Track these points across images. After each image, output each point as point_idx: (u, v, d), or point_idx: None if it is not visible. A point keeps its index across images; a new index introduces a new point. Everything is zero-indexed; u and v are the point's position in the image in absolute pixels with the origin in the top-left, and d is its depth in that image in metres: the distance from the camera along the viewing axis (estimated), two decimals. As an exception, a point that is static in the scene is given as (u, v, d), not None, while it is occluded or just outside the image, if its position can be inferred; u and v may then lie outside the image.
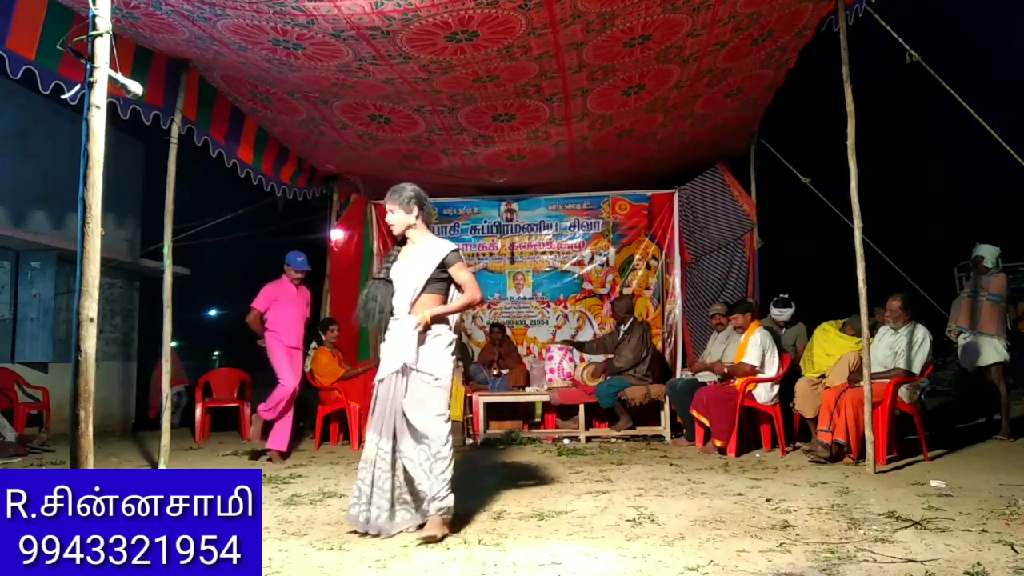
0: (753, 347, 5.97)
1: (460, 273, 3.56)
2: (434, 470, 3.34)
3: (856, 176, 4.82)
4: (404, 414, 3.41)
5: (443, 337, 3.53)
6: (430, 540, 3.20)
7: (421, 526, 3.37)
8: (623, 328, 7.24)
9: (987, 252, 6.42)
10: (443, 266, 3.54)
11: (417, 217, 3.65)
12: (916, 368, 5.35)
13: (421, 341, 3.47)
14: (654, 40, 4.99)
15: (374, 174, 8.15)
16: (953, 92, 5.14)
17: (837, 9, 4.90)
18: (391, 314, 3.53)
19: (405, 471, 3.43)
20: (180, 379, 8.95)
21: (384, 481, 3.41)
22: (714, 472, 5.01)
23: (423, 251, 3.59)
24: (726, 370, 6.12)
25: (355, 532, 3.39)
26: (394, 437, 3.44)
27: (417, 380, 3.43)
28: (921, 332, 5.41)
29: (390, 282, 3.57)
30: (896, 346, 5.42)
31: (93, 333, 2.35)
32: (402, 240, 3.71)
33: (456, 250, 3.61)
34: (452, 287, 3.61)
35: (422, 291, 3.52)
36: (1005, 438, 6.08)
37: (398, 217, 3.67)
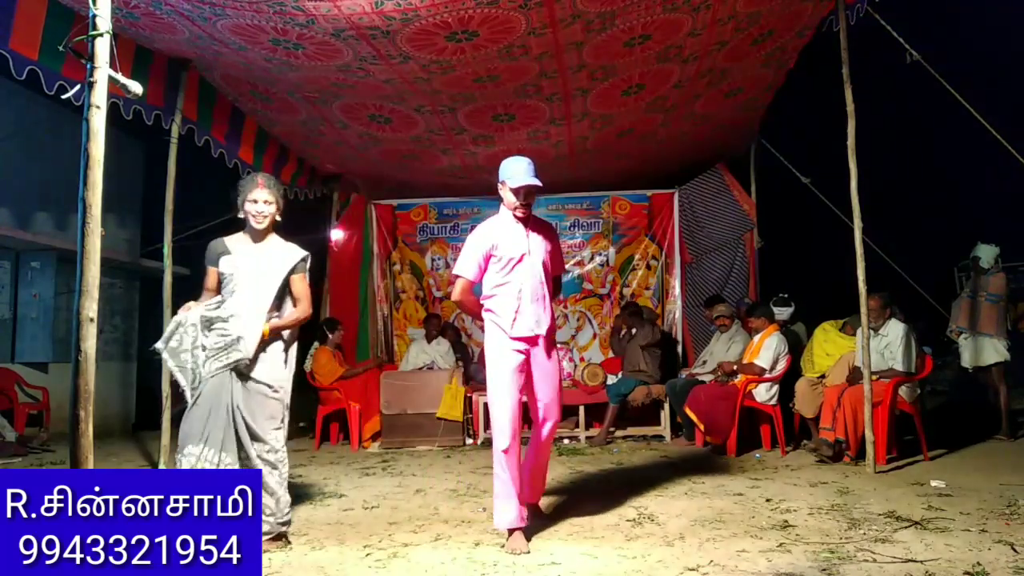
0: (767, 350, 5.96)
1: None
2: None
3: (856, 176, 4.82)
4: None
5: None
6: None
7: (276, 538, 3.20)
8: (635, 330, 7.27)
9: (984, 252, 6.41)
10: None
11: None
12: (911, 366, 5.34)
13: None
14: (654, 40, 4.99)
15: (374, 174, 8.15)
16: (954, 92, 5.14)
17: (837, 9, 4.90)
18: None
19: None
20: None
21: None
22: (714, 472, 5.01)
23: None
24: (735, 367, 6.11)
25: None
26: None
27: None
28: (901, 328, 5.40)
29: None
30: (880, 345, 5.40)
31: (93, 333, 2.35)
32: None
33: (305, 259, 3.39)
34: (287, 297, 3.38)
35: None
36: (1005, 438, 6.08)
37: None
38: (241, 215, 3.38)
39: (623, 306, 7.88)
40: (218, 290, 3.32)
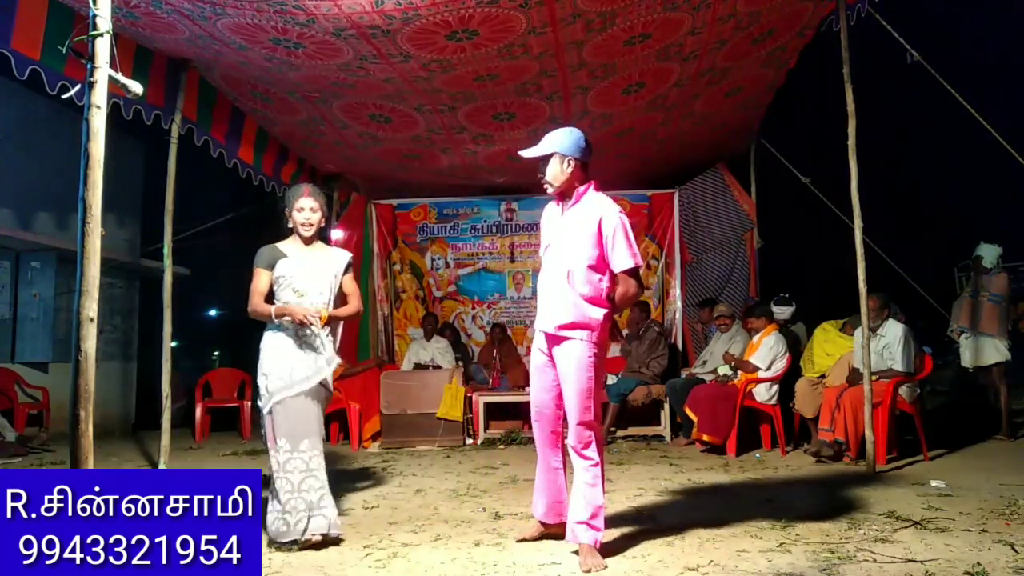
0: (764, 347, 5.97)
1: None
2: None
3: (856, 176, 4.82)
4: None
5: None
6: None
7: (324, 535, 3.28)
8: (640, 329, 7.27)
9: (987, 252, 6.40)
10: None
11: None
12: (910, 366, 5.33)
13: None
14: (654, 38, 4.99)
15: (374, 174, 8.15)
16: (954, 92, 5.14)
17: (838, 9, 4.90)
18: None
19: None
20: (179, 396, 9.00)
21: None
22: (714, 472, 5.01)
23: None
24: (733, 362, 6.14)
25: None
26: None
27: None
28: (900, 328, 5.40)
29: None
30: (878, 346, 5.40)
31: (93, 333, 2.35)
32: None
33: (351, 260, 3.65)
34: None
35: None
36: (1005, 438, 6.08)
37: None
38: (289, 224, 3.53)
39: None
40: (270, 292, 3.47)
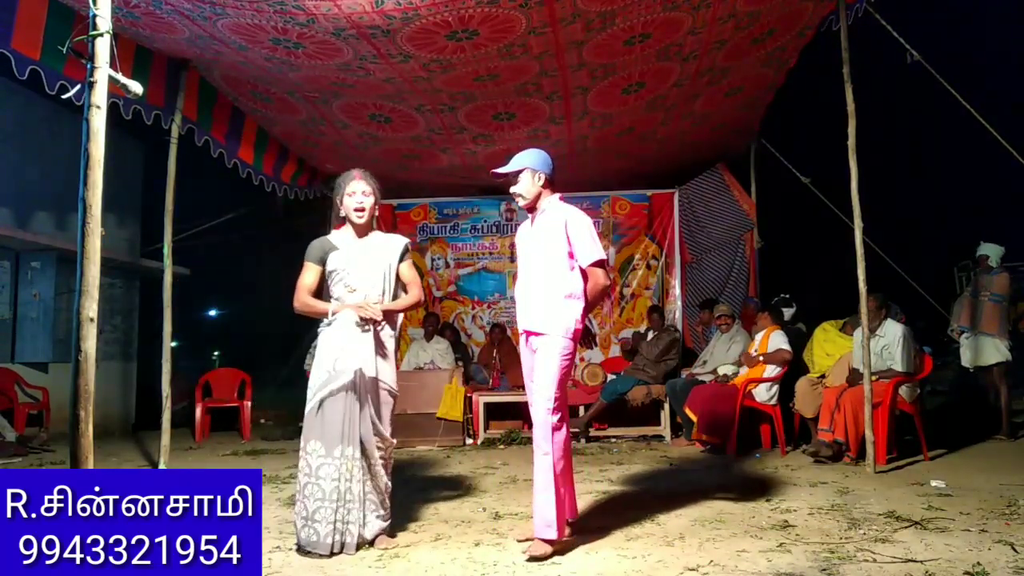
0: (778, 338, 5.97)
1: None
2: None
3: (856, 176, 4.82)
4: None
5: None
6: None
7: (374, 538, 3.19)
8: (652, 332, 7.27)
9: (992, 251, 6.39)
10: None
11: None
12: (910, 366, 5.33)
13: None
14: (654, 38, 5.00)
15: (374, 174, 8.09)
16: (954, 92, 5.14)
17: (838, 9, 4.90)
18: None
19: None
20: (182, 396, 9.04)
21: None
22: (714, 472, 5.01)
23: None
24: (761, 358, 6.02)
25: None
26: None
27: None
28: (899, 329, 5.40)
29: None
30: (877, 346, 5.39)
31: (93, 333, 2.35)
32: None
33: (408, 246, 3.46)
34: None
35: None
36: (1005, 438, 6.08)
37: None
38: (341, 213, 3.36)
39: (650, 308, 7.88)
40: (319, 288, 3.29)
